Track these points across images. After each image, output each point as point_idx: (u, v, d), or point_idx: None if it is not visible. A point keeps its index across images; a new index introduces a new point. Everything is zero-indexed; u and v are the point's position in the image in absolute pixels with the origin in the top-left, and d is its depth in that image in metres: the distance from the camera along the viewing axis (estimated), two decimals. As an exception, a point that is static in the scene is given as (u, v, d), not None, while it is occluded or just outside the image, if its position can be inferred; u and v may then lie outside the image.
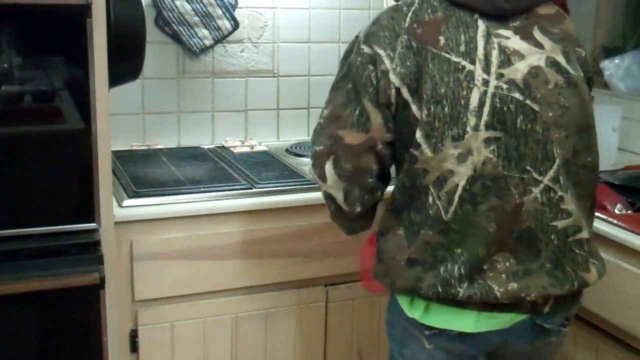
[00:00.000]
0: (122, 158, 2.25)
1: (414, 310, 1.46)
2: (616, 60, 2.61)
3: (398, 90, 1.37)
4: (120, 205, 1.89)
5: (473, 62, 1.36)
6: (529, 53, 1.39)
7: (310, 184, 2.10)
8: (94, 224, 1.72)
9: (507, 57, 1.37)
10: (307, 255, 2.05)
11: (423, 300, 1.43)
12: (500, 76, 1.36)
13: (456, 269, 1.38)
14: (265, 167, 2.24)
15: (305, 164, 2.29)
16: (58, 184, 1.71)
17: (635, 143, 2.51)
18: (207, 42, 2.40)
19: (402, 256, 1.43)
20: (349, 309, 2.16)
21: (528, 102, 1.37)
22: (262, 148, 2.46)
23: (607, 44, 2.76)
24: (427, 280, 1.40)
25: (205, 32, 2.39)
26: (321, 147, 1.44)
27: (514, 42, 1.39)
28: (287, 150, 2.46)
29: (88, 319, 1.73)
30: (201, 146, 2.47)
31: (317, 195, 2.04)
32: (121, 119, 2.33)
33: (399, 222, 1.46)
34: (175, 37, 2.39)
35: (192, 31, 2.38)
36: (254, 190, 2.04)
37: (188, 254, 1.92)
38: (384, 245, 1.49)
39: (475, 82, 1.35)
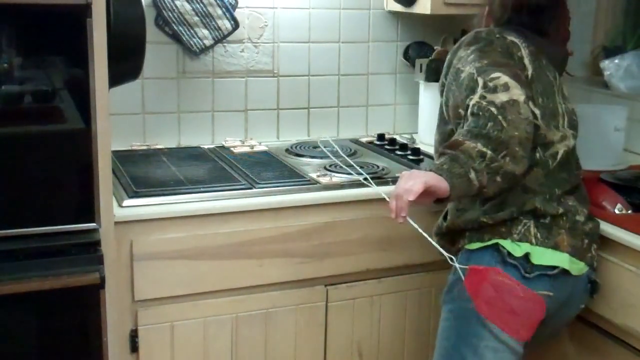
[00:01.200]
0: (122, 158, 2.25)
1: (522, 249, 1.71)
2: (616, 60, 2.61)
3: (526, 74, 1.76)
4: (120, 205, 1.89)
5: (556, 87, 1.85)
6: (570, 98, 1.91)
7: (310, 184, 2.10)
8: (94, 224, 1.72)
9: (565, 96, 1.88)
10: (307, 255, 2.05)
11: (525, 242, 1.72)
12: (566, 105, 1.87)
13: (555, 196, 1.77)
14: (265, 167, 2.24)
15: (306, 164, 2.30)
16: (58, 184, 1.71)
17: (636, 143, 2.50)
18: (207, 42, 2.40)
19: (515, 184, 1.71)
20: (349, 309, 2.16)
21: (575, 123, 1.88)
22: (262, 148, 2.46)
23: (607, 44, 2.76)
24: (535, 200, 1.74)
25: (205, 32, 2.39)
26: (501, 74, 1.65)
27: (565, 88, 1.90)
28: (287, 150, 2.46)
29: (88, 319, 1.73)
30: (201, 146, 2.47)
31: (316, 196, 2.05)
32: (121, 119, 2.33)
33: None
34: (175, 37, 2.39)
35: (192, 31, 2.38)
36: (254, 190, 2.04)
37: (188, 254, 1.92)
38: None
39: (558, 100, 1.84)
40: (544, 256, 1.71)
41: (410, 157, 2.40)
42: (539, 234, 1.73)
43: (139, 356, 1.94)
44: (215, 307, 1.99)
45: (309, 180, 2.13)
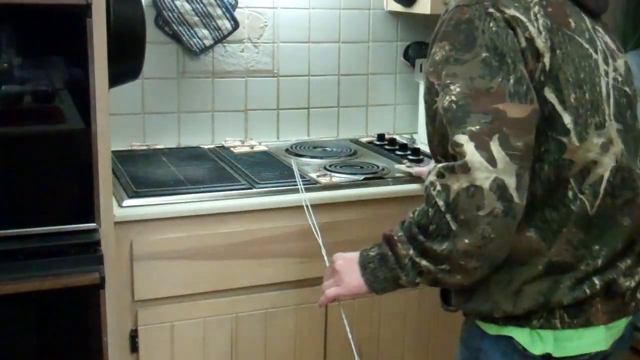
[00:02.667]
0: (122, 158, 2.25)
1: (543, 344, 1.32)
2: (616, 60, 2.61)
3: (542, 62, 1.25)
4: (120, 205, 1.89)
5: (596, 52, 1.33)
6: (617, 50, 1.41)
7: (310, 184, 2.10)
8: (94, 224, 1.72)
9: (610, 52, 1.37)
10: (307, 255, 2.05)
11: (548, 329, 1.31)
12: (614, 69, 1.36)
13: (598, 263, 1.31)
14: (265, 167, 2.24)
15: (305, 164, 2.30)
16: (58, 184, 1.71)
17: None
18: (207, 42, 2.40)
19: (537, 261, 1.29)
20: (349, 309, 2.15)
21: (631, 97, 1.38)
22: (262, 148, 2.46)
23: (607, 44, 2.76)
24: (564, 282, 1.29)
25: (205, 32, 2.39)
26: (478, 127, 1.19)
27: (608, 39, 1.40)
28: (287, 150, 2.46)
29: (88, 319, 1.73)
30: (201, 146, 2.47)
31: (316, 196, 2.05)
32: (121, 119, 2.33)
33: (529, 222, 1.28)
34: (175, 37, 2.39)
35: (192, 31, 2.38)
36: (254, 190, 2.04)
37: (188, 254, 1.92)
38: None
39: (601, 71, 1.32)
40: (570, 345, 1.33)
41: (410, 157, 2.40)
42: (566, 315, 1.31)
43: (139, 356, 1.94)
44: (215, 307, 1.99)
45: (308, 180, 2.13)
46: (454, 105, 1.22)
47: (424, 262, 1.25)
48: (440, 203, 1.21)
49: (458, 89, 1.22)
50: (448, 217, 1.20)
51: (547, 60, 1.25)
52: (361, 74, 2.70)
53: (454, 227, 1.20)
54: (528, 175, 1.21)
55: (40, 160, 1.67)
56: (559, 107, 1.26)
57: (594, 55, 1.32)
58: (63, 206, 1.72)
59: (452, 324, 2.26)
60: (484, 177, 1.17)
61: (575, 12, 1.34)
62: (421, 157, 2.40)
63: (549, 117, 1.25)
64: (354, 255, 1.42)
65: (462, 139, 1.19)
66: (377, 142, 2.62)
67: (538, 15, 1.27)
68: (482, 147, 1.18)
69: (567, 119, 1.26)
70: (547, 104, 1.25)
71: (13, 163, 1.65)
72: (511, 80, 1.22)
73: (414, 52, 2.72)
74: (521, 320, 1.31)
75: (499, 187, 1.17)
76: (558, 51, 1.26)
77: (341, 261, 1.45)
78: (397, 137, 2.67)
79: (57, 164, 1.69)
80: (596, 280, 1.30)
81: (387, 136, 2.65)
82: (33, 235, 1.67)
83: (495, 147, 1.18)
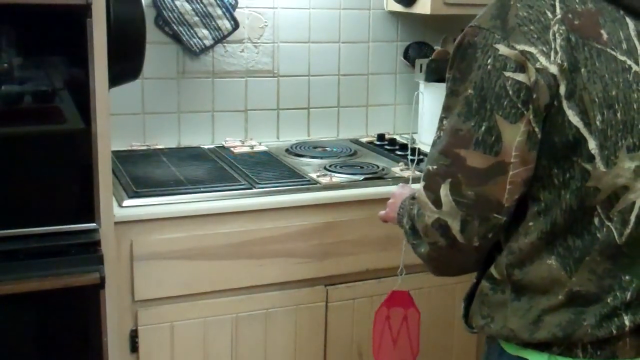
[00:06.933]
0: (122, 158, 2.25)
1: None
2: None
3: (557, 89, 1.16)
4: (120, 205, 1.89)
5: (637, 63, 1.20)
6: None
7: (310, 184, 2.10)
8: (94, 224, 1.72)
9: None
10: (307, 255, 2.05)
11: (568, 357, 1.25)
12: None
13: (628, 296, 1.23)
14: (265, 167, 2.24)
15: (305, 164, 2.30)
16: (58, 184, 1.71)
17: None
18: (207, 42, 2.40)
19: (557, 290, 1.23)
20: (349, 309, 2.16)
21: None
22: (262, 148, 2.46)
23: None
24: (589, 318, 1.22)
25: (205, 32, 2.39)
26: (435, 167, 1.23)
27: None
28: (287, 150, 2.46)
29: (88, 319, 1.74)
30: (201, 146, 2.47)
31: (316, 196, 2.05)
32: (121, 119, 2.33)
33: (550, 250, 1.23)
34: (175, 37, 2.39)
35: (192, 31, 2.38)
36: (254, 190, 2.04)
37: (188, 254, 1.92)
38: (526, 278, 1.25)
39: None
40: None
41: (410, 157, 2.40)
42: (589, 346, 1.24)
43: (139, 356, 1.94)
44: (215, 307, 1.99)
45: (309, 180, 2.13)
46: (436, 139, 1.26)
47: (411, 242, 1.36)
48: (412, 214, 1.31)
49: (446, 123, 1.23)
50: (415, 225, 1.31)
51: (563, 84, 1.16)
52: (361, 74, 2.70)
53: (416, 234, 1.32)
54: (482, 223, 1.22)
55: (40, 160, 1.67)
56: (584, 131, 1.17)
57: (634, 67, 1.19)
58: (63, 206, 1.72)
59: (450, 324, 2.27)
60: (428, 214, 1.25)
61: (614, 20, 1.21)
62: (421, 157, 2.40)
63: (574, 142, 1.18)
64: (400, 197, 1.52)
65: (423, 175, 1.27)
66: (377, 142, 2.62)
67: (557, 35, 1.17)
68: (431, 188, 1.24)
69: (592, 144, 1.17)
70: (571, 128, 1.17)
71: (13, 163, 1.65)
72: (482, 128, 1.18)
73: (414, 52, 2.72)
74: (540, 345, 1.26)
75: (441, 227, 1.24)
76: (583, 69, 1.16)
77: (392, 200, 1.61)
78: (397, 137, 2.67)
79: (57, 164, 1.69)
80: (626, 320, 1.23)
81: (387, 136, 2.65)
82: (33, 235, 1.67)
83: (444, 190, 1.22)
